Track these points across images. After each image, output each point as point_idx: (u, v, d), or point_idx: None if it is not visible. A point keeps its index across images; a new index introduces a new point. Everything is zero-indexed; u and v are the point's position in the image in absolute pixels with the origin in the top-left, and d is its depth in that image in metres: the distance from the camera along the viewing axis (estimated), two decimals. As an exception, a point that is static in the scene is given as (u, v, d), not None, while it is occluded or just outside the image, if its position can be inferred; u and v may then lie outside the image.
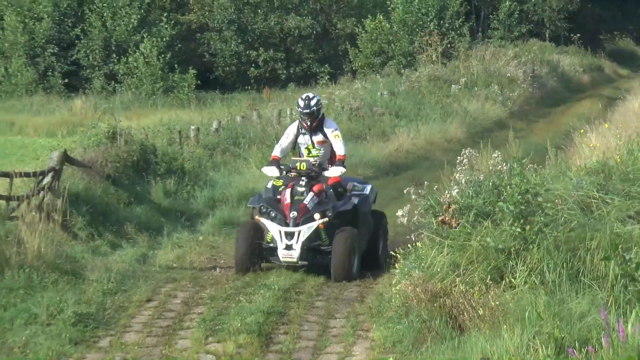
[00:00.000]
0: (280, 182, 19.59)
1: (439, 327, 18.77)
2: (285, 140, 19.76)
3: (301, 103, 19.16)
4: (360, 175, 36.49)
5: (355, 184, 20.58)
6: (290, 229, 18.13)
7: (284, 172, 19.23)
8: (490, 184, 21.58)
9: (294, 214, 18.19)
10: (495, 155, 24.02)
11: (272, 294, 21.75)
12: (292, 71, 71.60)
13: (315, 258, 18.63)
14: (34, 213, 23.56)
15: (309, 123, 19.06)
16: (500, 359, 16.81)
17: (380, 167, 38.59)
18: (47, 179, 25.45)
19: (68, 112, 53.21)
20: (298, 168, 18.67)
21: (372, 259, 20.67)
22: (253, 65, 72.26)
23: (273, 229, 18.39)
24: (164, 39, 67.43)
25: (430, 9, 68.87)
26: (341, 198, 19.91)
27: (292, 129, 19.82)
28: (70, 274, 22.73)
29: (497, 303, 18.44)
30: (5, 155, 30.76)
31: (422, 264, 20.15)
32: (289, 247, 18.14)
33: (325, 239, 18.60)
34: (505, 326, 17.48)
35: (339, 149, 19.48)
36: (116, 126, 30.52)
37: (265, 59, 70.23)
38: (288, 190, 18.56)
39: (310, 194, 18.30)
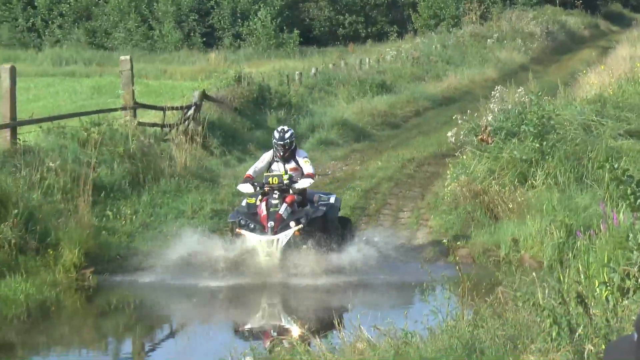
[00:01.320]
0: (253, 200, 17.24)
1: (480, 217, 19.95)
2: (260, 164, 17.08)
3: (277, 135, 16.68)
4: (421, 106, 37.42)
5: (321, 195, 17.76)
6: (269, 237, 15.64)
7: (257, 187, 16.52)
8: (516, 111, 22.31)
9: (271, 223, 15.76)
10: (519, 90, 23.95)
11: (357, 194, 23.15)
12: (369, 31, 71.03)
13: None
14: (181, 137, 25.00)
15: (281, 153, 16.54)
16: (525, 239, 18.34)
17: (435, 101, 38.95)
18: (191, 111, 26.24)
19: (205, 62, 51.83)
20: (270, 182, 16.10)
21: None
22: (341, 26, 71.39)
23: (254, 239, 15.77)
24: (276, 8, 68.02)
25: (470, -18, 69.74)
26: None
27: (267, 156, 17.03)
28: (208, 181, 24.06)
29: (522, 199, 19.69)
30: (160, 94, 31.07)
31: (467, 171, 21.18)
32: (269, 255, 15.56)
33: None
34: (528, 216, 18.81)
35: (308, 169, 16.80)
36: (241, 72, 31.19)
37: (350, 22, 70.29)
38: (263, 204, 16.21)
39: (284, 205, 15.98)
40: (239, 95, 30.59)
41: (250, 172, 16.51)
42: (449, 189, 21.64)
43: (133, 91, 25.91)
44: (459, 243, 18.88)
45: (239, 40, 67.40)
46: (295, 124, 31.42)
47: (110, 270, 18.54)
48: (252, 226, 15.51)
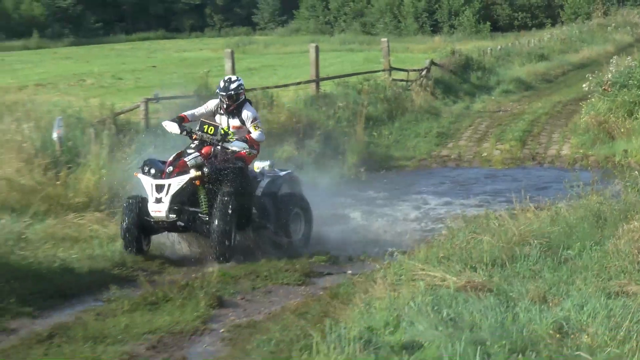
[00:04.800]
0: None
1: (602, 137, 19.69)
2: (201, 110, 10.74)
3: (221, 84, 10.46)
4: (566, 69, 36.83)
5: (276, 170, 11.25)
6: (160, 181, 9.91)
7: (184, 132, 10.33)
8: (626, 71, 21.72)
9: (170, 168, 9.95)
10: (628, 58, 23.74)
11: (525, 122, 23.24)
12: (533, 22, 67.74)
13: (193, 223, 10.08)
14: (418, 87, 25.76)
15: (226, 106, 10.40)
16: (632, 151, 18.20)
17: (575, 65, 38.29)
18: (424, 72, 26.68)
19: (432, 43, 50.73)
20: (205, 130, 10.05)
21: (281, 243, 11.03)
22: (515, 20, 68.75)
23: (146, 183, 10.02)
24: (476, 8, 65.80)
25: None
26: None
27: (211, 104, 10.70)
28: (434, 114, 24.52)
29: (630, 126, 19.35)
30: (404, 62, 30.87)
31: (594, 109, 20.80)
32: (158, 201, 9.88)
33: (203, 205, 9.99)
34: (633, 137, 18.83)
35: (255, 135, 10.33)
36: (454, 48, 31.55)
37: (521, 17, 68.19)
38: (175, 153, 10.20)
39: (195, 154, 10.00)
40: (453, 62, 30.71)
41: (186, 113, 10.65)
42: (583, 120, 21.57)
43: (389, 60, 26.47)
44: (589, 153, 19.26)
45: (452, 29, 66.05)
46: (487, 80, 31.58)
47: (376, 169, 18.97)
48: (152, 171, 9.99)
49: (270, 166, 10.77)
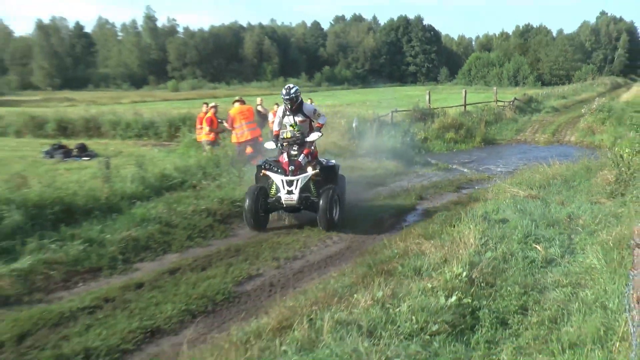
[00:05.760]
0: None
1: (590, 133, 22.89)
2: (277, 119, 11.20)
3: (283, 91, 10.91)
4: None
5: (324, 160, 11.47)
6: (290, 178, 10.55)
7: (279, 144, 10.95)
8: (602, 105, 25.10)
9: (292, 167, 10.67)
10: (603, 99, 26.37)
11: (554, 125, 25.54)
12: (559, 81, 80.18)
13: (307, 206, 10.73)
14: (508, 109, 28.72)
15: (289, 106, 10.91)
16: (603, 140, 19.98)
17: (579, 101, 40.76)
18: (511, 102, 29.27)
19: (516, 90, 61.65)
20: (285, 137, 10.79)
21: (331, 222, 10.78)
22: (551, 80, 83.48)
23: (277, 179, 10.63)
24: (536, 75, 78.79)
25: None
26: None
27: (279, 111, 11.23)
28: (514, 121, 27.47)
29: (602, 129, 22.35)
30: (501, 97, 30.96)
31: (586, 120, 24.86)
32: (290, 192, 10.50)
33: (313, 192, 10.87)
34: (604, 134, 21.10)
35: (322, 120, 11.22)
36: (524, 93, 33.13)
37: (554, 79, 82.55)
38: (285, 154, 10.93)
39: (302, 155, 10.79)
40: (524, 98, 33.61)
41: (275, 128, 11.18)
42: (581, 125, 24.13)
43: (496, 97, 29.28)
44: (584, 140, 22.52)
45: (524, 83, 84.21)
46: (538, 106, 34.28)
47: (487, 144, 22.11)
48: (276, 169, 10.69)
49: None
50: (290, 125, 10.78)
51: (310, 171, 10.54)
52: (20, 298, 7.08)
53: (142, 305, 6.81)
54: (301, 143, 10.70)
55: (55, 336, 5.96)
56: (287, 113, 10.90)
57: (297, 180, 10.42)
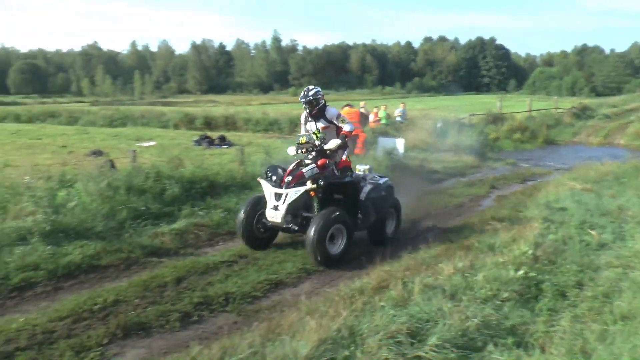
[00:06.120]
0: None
1: (636, 137, 21.40)
2: (302, 126, 7.86)
3: (302, 94, 7.62)
4: None
5: (375, 175, 8.18)
6: (279, 190, 7.12)
7: (298, 150, 7.51)
8: None
9: (289, 178, 7.16)
10: None
11: (605, 130, 23.81)
12: (611, 92, 73.67)
13: (305, 227, 7.16)
14: (566, 115, 26.79)
15: (309, 111, 7.62)
16: None
17: (628, 110, 36.70)
18: (570, 110, 27.90)
19: (573, 99, 55.30)
20: (300, 142, 7.45)
21: (378, 238, 7.93)
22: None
23: (267, 190, 7.25)
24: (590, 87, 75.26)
25: None
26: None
27: (302, 117, 7.86)
28: (571, 125, 25.67)
29: None
30: (561, 105, 30.12)
31: (635, 127, 23.31)
32: (275, 208, 7.09)
33: (316, 212, 7.25)
34: None
35: (348, 127, 7.59)
36: (580, 102, 31.88)
37: (607, 90, 77.54)
38: (296, 162, 7.48)
39: (312, 165, 7.32)
40: (580, 106, 31.57)
41: (301, 135, 7.57)
42: (629, 130, 22.63)
43: (557, 104, 27.80)
44: (632, 143, 20.66)
45: (580, 93, 77.49)
46: (592, 113, 30.70)
47: (549, 144, 20.72)
48: (274, 178, 7.28)
49: (369, 170, 8.16)
50: (314, 133, 7.50)
51: (309, 185, 7.05)
52: (177, 251, 7.36)
53: (268, 263, 6.95)
54: (320, 151, 7.45)
55: (202, 281, 6.21)
56: (309, 119, 7.74)
57: (286, 195, 7.07)
